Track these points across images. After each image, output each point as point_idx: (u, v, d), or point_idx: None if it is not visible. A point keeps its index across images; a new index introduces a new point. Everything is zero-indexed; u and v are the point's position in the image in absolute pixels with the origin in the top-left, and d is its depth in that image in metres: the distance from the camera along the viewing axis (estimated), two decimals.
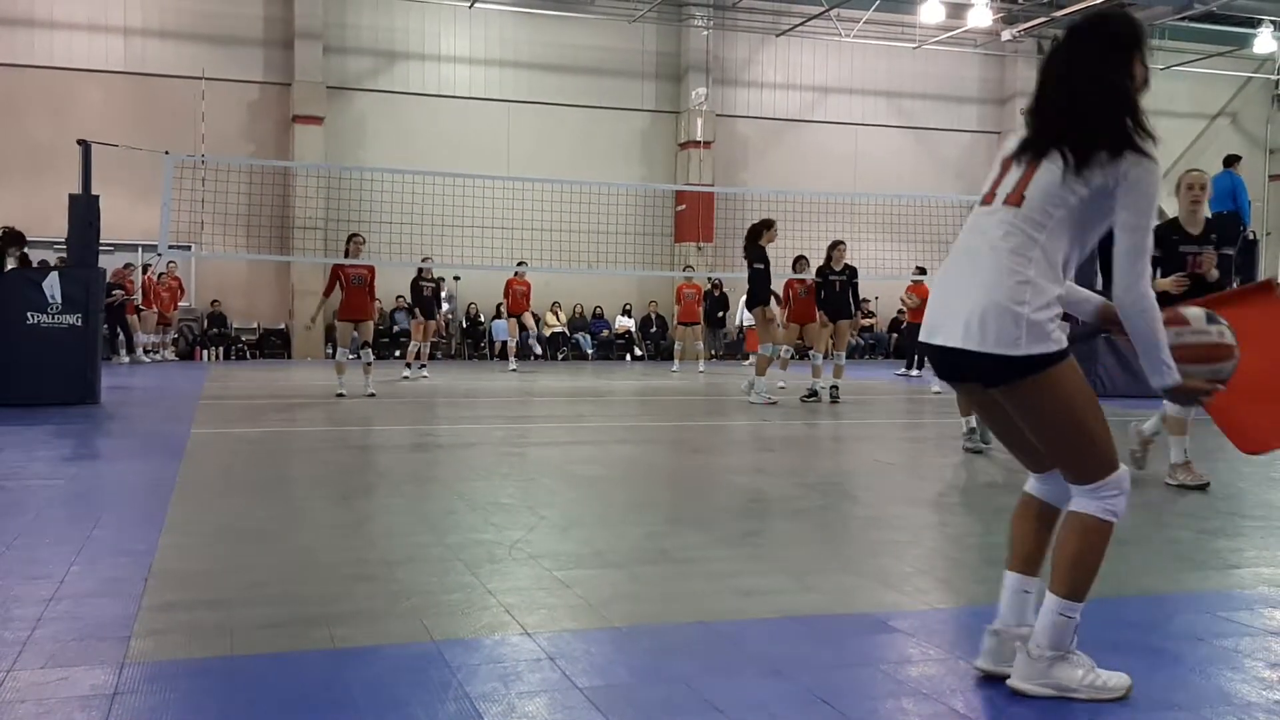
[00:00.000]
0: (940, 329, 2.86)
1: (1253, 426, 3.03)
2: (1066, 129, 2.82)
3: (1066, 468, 2.88)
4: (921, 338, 2.95)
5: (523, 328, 18.92)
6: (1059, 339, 2.76)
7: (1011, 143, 3.00)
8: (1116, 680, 2.88)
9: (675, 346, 20.68)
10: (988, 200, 2.93)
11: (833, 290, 12.72)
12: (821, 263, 12.92)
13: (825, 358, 13.04)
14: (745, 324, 21.16)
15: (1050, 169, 2.81)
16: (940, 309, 2.89)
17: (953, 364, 2.87)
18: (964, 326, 2.78)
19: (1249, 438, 3.07)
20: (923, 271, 18.48)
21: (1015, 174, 2.90)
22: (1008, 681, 2.92)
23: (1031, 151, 2.88)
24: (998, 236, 2.82)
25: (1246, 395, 2.99)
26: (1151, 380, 2.84)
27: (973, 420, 7.39)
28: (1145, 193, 2.76)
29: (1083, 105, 2.82)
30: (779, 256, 12.91)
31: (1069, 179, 2.78)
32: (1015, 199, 2.84)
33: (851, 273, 12.81)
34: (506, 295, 18.36)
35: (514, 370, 18.22)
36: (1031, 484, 3.08)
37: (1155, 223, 2.82)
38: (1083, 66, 2.85)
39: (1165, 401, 6.78)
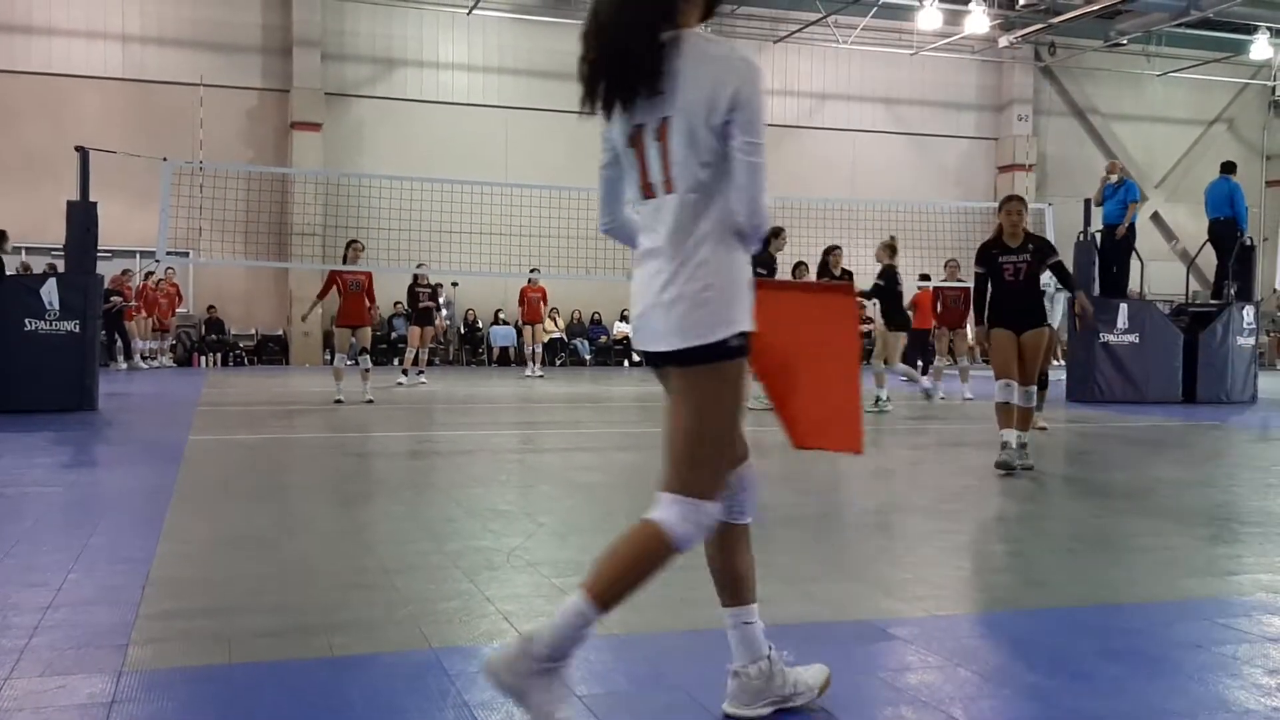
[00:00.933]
0: (641, 332, 2.66)
1: (798, 421, 2.92)
2: (639, 76, 2.55)
3: (683, 467, 2.60)
4: (634, 340, 2.75)
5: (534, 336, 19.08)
6: (748, 319, 2.60)
7: (614, 113, 2.65)
8: (566, 713, 2.62)
9: None
10: (649, 194, 2.65)
11: None
12: (818, 268, 12.97)
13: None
14: None
15: (678, 133, 2.55)
16: (638, 312, 2.66)
17: (657, 359, 2.67)
18: (663, 327, 2.58)
19: (797, 432, 2.94)
20: (926, 279, 18.50)
21: (654, 155, 2.61)
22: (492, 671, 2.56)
23: (651, 122, 2.60)
24: (671, 229, 2.59)
25: (796, 390, 2.90)
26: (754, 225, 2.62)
27: (1006, 435, 7.36)
28: (754, 104, 2.52)
29: (632, 40, 2.54)
30: (779, 262, 12.93)
31: (695, 133, 2.53)
32: (669, 185, 2.60)
33: (848, 278, 12.83)
34: (522, 303, 18.52)
35: (528, 375, 18.38)
36: None
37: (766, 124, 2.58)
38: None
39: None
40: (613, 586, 2.58)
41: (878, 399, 12.31)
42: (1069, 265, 14.03)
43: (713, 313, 2.54)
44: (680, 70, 2.52)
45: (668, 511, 2.59)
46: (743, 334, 2.57)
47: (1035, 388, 7.57)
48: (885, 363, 12.69)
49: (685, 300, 2.55)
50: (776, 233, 12.49)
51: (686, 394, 2.61)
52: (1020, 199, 7.72)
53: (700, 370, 2.57)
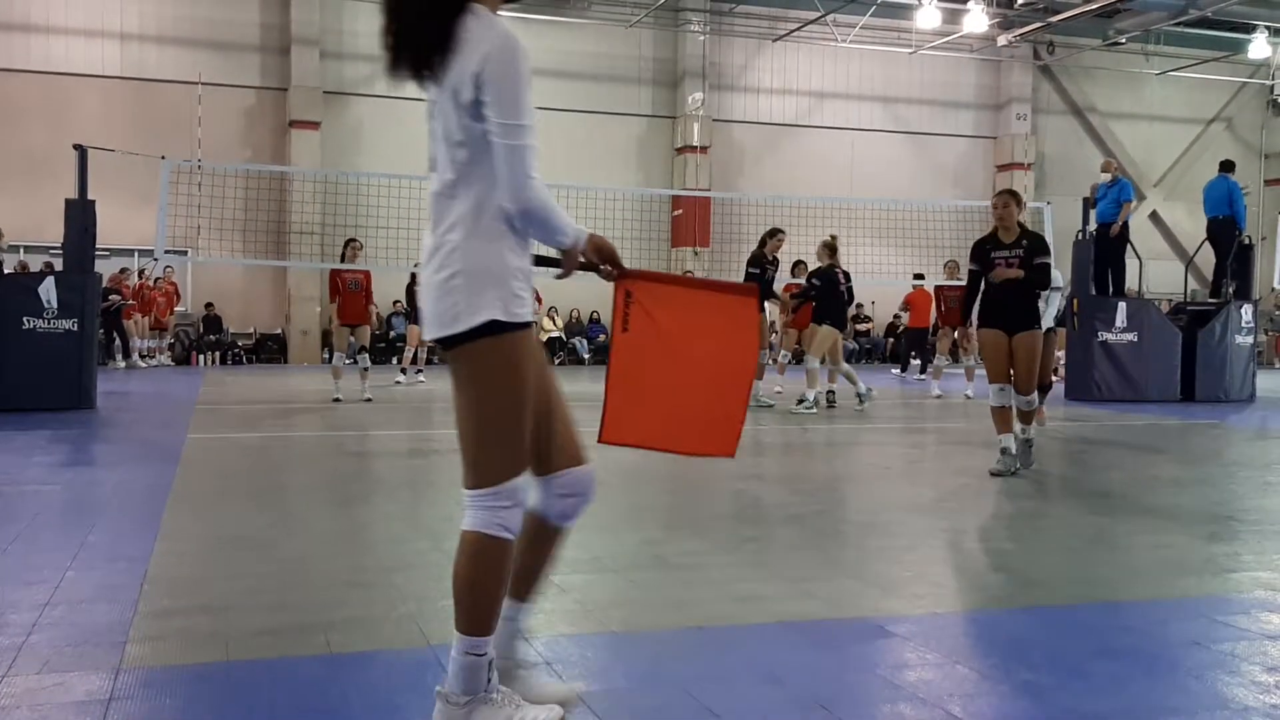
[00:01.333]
0: (423, 318, 2.62)
1: (624, 416, 2.82)
2: (402, 45, 2.51)
3: (469, 460, 2.56)
4: None
5: None
6: (508, 309, 2.49)
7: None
8: (544, 715, 2.61)
9: None
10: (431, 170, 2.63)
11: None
12: (814, 268, 12.97)
13: (820, 363, 13.03)
14: None
15: (439, 111, 2.52)
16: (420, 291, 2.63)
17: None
18: (427, 312, 2.55)
19: (606, 424, 2.82)
20: (920, 277, 18.51)
21: (431, 132, 2.60)
22: None
23: (434, 98, 2.54)
24: (433, 211, 2.57)
25: (676, 391, 2.81)
26: (558, 245, 2.60)
27: (1004, 440, 7.27)
28: (505, 81, 2.42)
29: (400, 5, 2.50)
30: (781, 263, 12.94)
31: (449, 112, 2.47)
32: (435, 164, 2.57)
33: (844, 277, 12.82)
34: None
35: None
36: (535, 500, 2.73)
37: (530, 106, 2.48)
38: None
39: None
40: (475, 612, 2.54)
41: (802, 398, 12.01)
42: (1067, 265, 14.14)
43: (456, 303, 2.47)
44: (457, 45, 2.46)
45: (474, 517, 2.55)
46: (496, 323, 2.47)
47: (1035, 395, 7.44)
48: (831, 360, 12.46)
49: (436, 287, 2.51)
50: (772, 233, 12.45)
51: (457, 381, 2.57)
52: (1009, 193, 7.53)
53: (461, 357, 2.52)
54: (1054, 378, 10.78)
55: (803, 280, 13.83)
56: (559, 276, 2.71)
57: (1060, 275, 10.14)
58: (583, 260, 2.68)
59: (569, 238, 2.59)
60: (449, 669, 2.57)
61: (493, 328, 2.47)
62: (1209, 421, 11.67)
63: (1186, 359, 14.30)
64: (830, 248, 12.30)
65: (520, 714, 2.57)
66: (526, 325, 2.54)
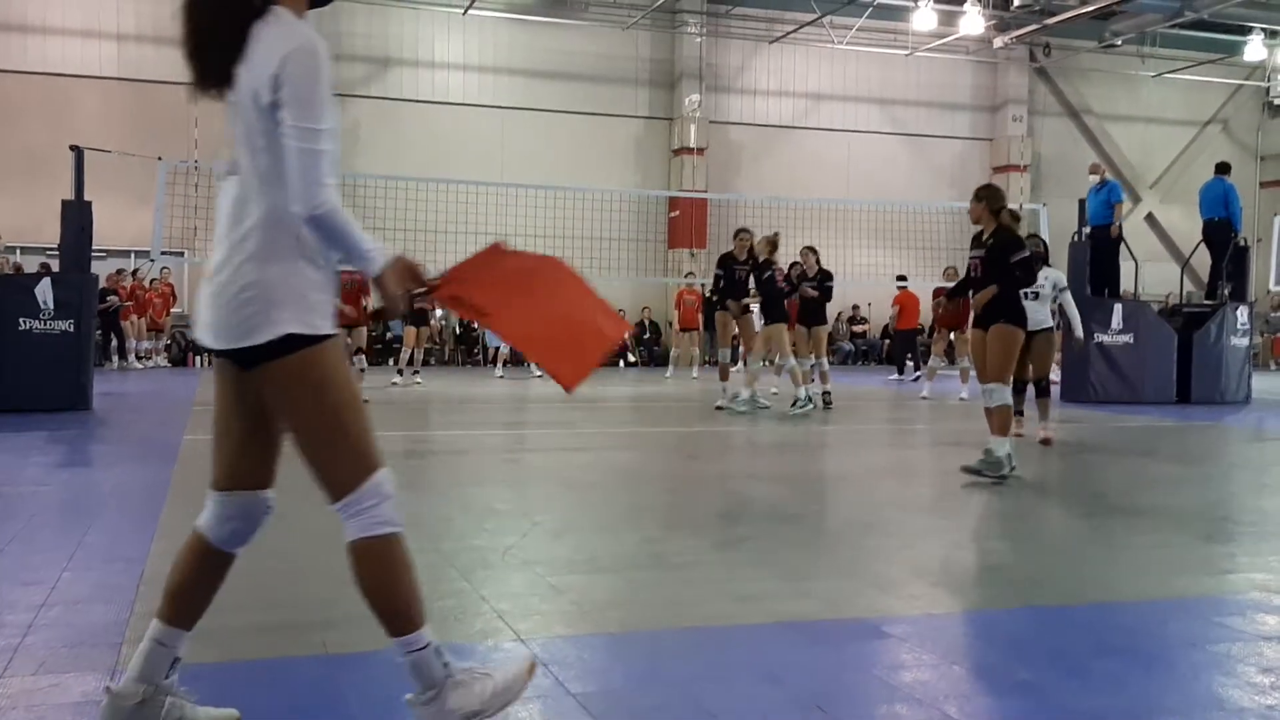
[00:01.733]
0: (199, 324, 2.51)
1: (560, 360, 2.79)
2: (209, 54, 2.45)
3: (321, 475, 2.52)
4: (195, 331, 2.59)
5: None
6: (306, 321, 2.40)
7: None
8: (514, 670, 2.60)
9: (671, 353, 20.74)
10: (231, 174, 2.52)
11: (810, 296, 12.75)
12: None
13: (814, 364, 13.05)
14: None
15: (239, 113, 2.44)
16: (201, 299, 2.51)
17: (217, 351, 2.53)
18: (212, 322, 2.45)
19: (564, 375, 2.78)
20: (903, 279, 18.54)
21: (234, 135, 2.49)
22: None
23: (234, 101, 2.46)
24: (225, 213, 2.47)
25: (549, 338, 2.79)
26: (365, 269, 2.44)
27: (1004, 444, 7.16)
28: (303, 82, 2.33)
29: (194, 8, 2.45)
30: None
31: (248, 114, 2.40)
32: (236, 168, 2.48)
33: (825, 277, 12.84)
34: None
35: (501, 377, 18.23)
36: (204, 517, 2.65)
37: (329, 110, 2.37)
38: None
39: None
40: (394, 613, 2.52)
41: (796, 400, 11.85)
42: (1063, 266, 14.10)
43: (251, 315, 2.38)
44: (252, 49, 2.40)
45: (350, 527, 2.49)
46: (293, 337, 2.39)
47: (997, 386, 7.13)
48: (765, 350, 12.34)
49: (230, 297, 2.40)
50: (736, 234, 12.40)
51: (272, 395, 2.47)
52: (980, 190, 7.32)
53: (262, 377, 2.44)
54: (1052, 378, 10.63)
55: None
56: (403, 317, 2.70)
57: (1062, 276, 10.05)
58: (412, 292, 2.50)
59: (376, 260, 2.42)
60: (407, 673, 2.54)
61: (290, 342, 2.39)
62: (1205, 423, 11.69)
63: (1182, 361, 14.32)
64: (771, 243, 12.18)
65: (492, 683, 2.54)
66: (328, 336, 2.45)
